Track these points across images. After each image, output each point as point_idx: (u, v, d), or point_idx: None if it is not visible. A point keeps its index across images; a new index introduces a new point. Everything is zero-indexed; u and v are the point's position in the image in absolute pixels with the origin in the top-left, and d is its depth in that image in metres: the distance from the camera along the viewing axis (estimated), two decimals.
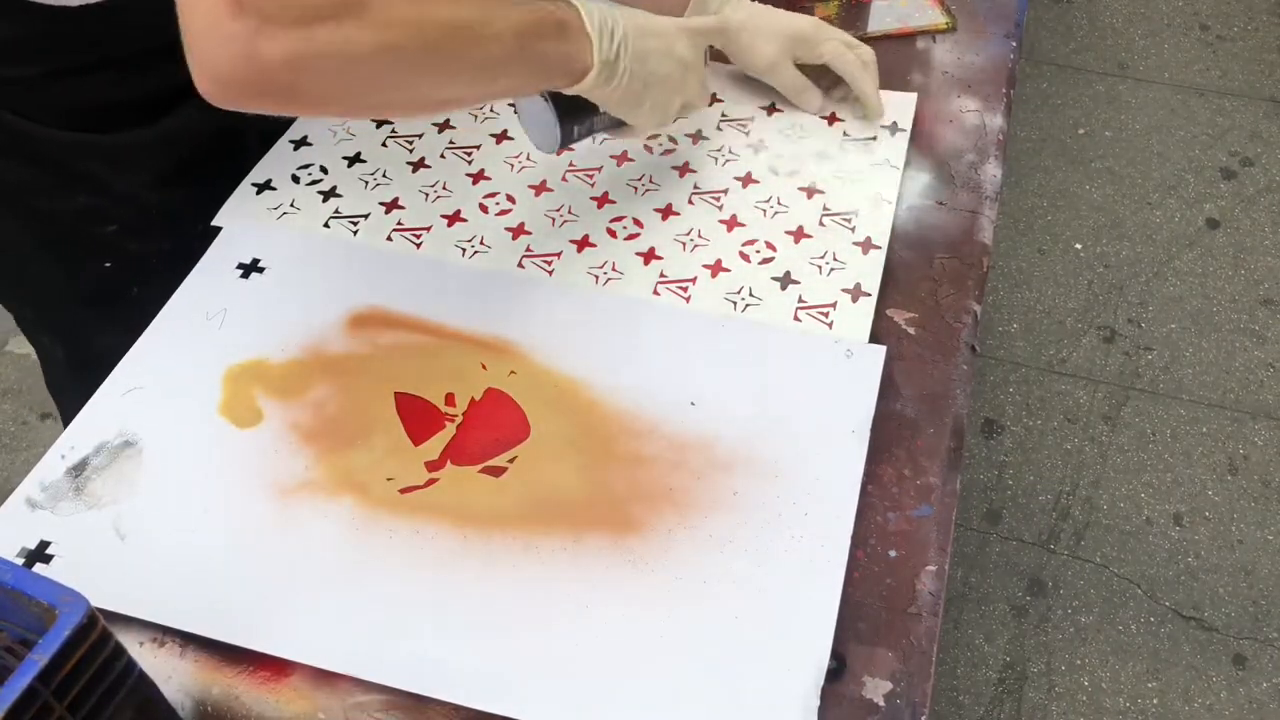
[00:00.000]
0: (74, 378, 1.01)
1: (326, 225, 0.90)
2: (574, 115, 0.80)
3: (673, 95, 0.82)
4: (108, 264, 0.93)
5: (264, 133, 0.97)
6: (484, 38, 0.68)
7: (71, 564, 0.69)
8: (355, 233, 0.89)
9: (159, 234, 0.93)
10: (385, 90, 0.66)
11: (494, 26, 0.68)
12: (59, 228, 0.91)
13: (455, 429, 0.76)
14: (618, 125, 0.83)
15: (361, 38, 0.61)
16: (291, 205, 0.91)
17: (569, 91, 0.76)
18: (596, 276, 0.85)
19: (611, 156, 0.95)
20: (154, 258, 0.92)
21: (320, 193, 0.92)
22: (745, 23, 0.94)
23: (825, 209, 0.90)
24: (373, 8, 0.61)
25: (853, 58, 0.95)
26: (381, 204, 0.91)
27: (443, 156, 0.95)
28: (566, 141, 0.82)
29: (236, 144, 0.95)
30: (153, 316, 0.83)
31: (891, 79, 1.02)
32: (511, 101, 0.93)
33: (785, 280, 0.85)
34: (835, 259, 0.86)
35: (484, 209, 0.91)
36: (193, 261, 0.87)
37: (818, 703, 0.62)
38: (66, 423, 0.76)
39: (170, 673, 0.65)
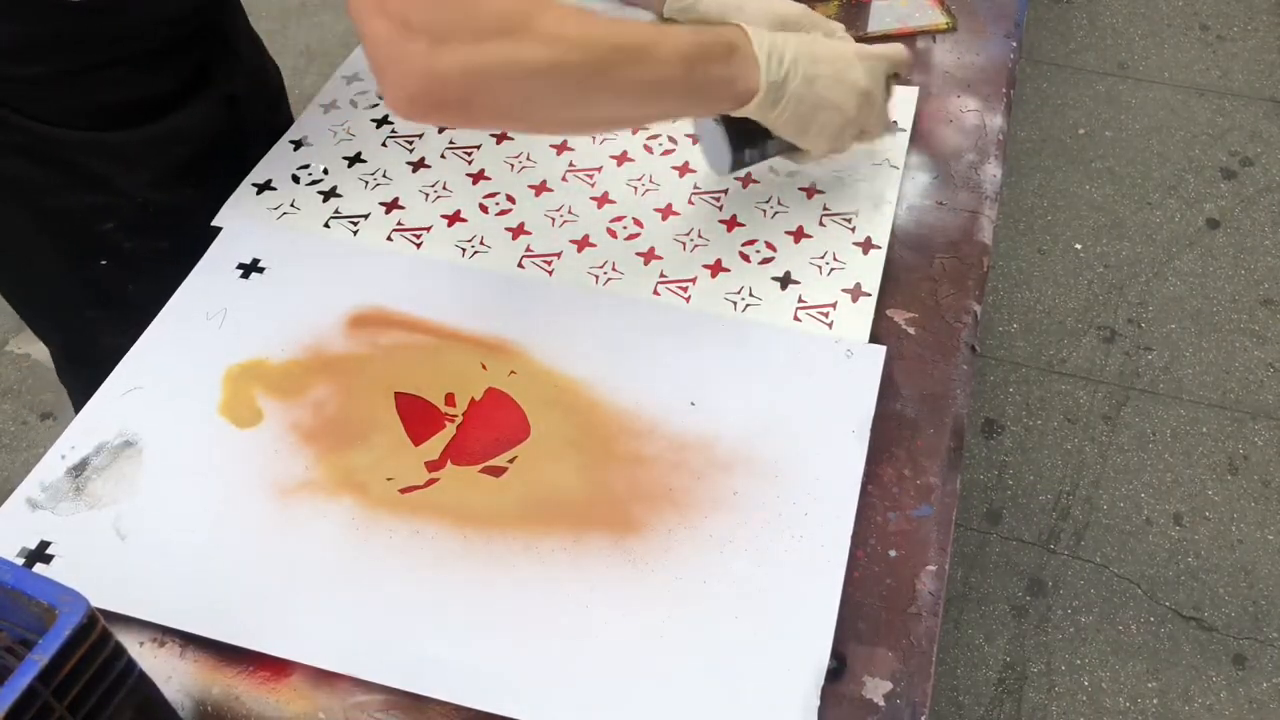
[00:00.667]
0: (72, 374, 1.01)
1: (326, 225, 0.90)
2: (747, 138, 0.82)
3: (845, 120, 0.82)
4: (104, 261, 0.94)
5: (267, 134, 0.97)
6: (652, 59, 0.70)
7: (72, 564, 0.69)
8: (355, 233, 0.89)
9: (156, 233, 0.93)
10: (554, 105, 0.69)
11: (662, 48, 0.71)
12: (63, 225, 0.91)
13: (455, 429, 0.76)
14: (791, 149, 0.84)
15: (530, 53, 0.64)
16: (291, 205, 0.91)
17: (738, 114, 0.78)
18: (596, 276, 0.85)
19: (611, 157, 0.95)
20: (150, 256, 0.92)
21: (320, 193, 0.92)
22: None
23: (825, 209, 0.90)
24: (542, 24, 0.65)
25: None
26: (381, 204, 0.91)
27: (443, 156, 0.95)
28: (738, 165, 0.84)
29: (239, 144, 0.95)
30: (149, 315, 0.83)
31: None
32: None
33: (785, 280, 0.85)
34: (835, 259, 0.86)
35: (484, 209, 0.91)
36: (192, 261, 0.87)
37: (818, 703, 0.62)
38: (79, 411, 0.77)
39: (170, 673, 0.65)
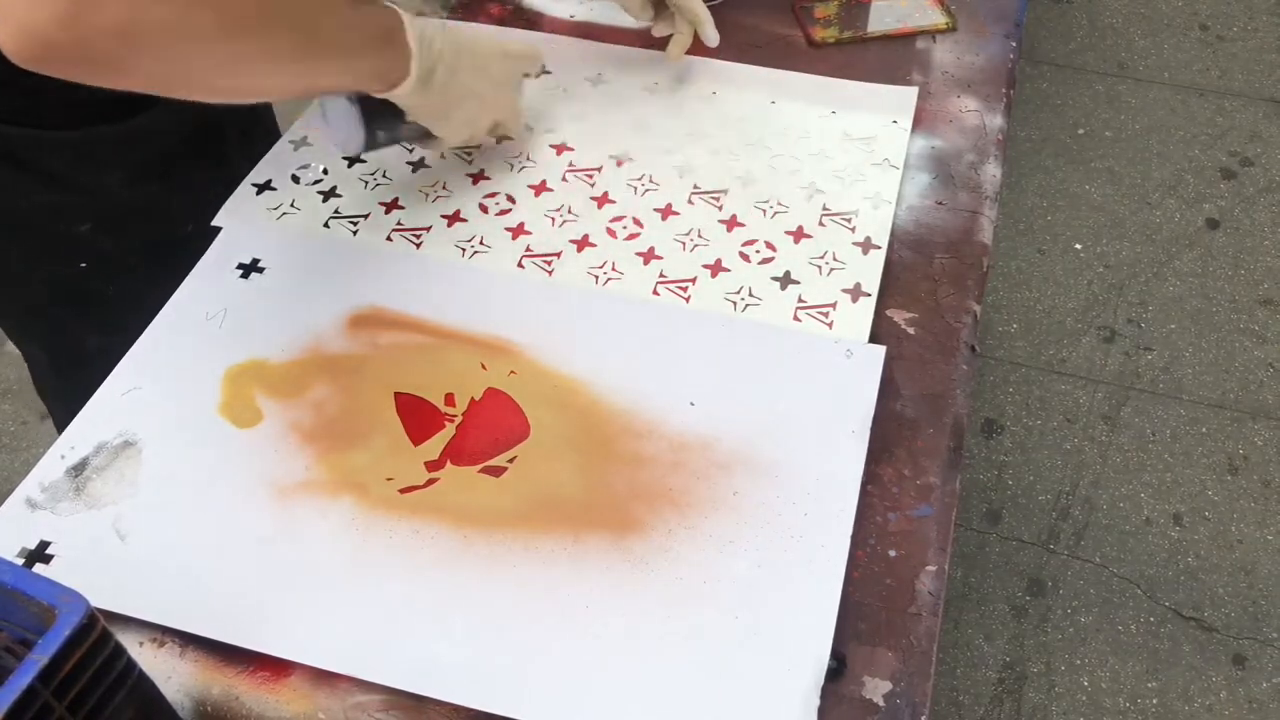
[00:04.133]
0: (59, 379, 0.99)
1: (326, 225, 0.90)
2: (381, 121, 0.82)
3: (482, 113, 0.85)
4: (83, 264, 0.92)
5: (244, 130, 0.96)
6: (320, 34, 0.68)
7: (71, 564, 0.69)
8: (355, 233, 0.89)
9: (134, 232, 0.91)
10: (214, 74, 0.64)
11: (329, 23, 0.69)
12: (31, 227, 0.89)
13: (455, 429, 0.76)
14: (424, 135, 0.85)
15: (203, 16, 0.59)
16: (291, 205, 0.91)
17: (379, 96, 0.77)
18: (596, 276, 0.85)
19: (611, 156, 0.95)
20: (130, 256, 0.91)
21: (320, 193, 0.92)
22: None
23: (825, 209, 0.90)
24: None
25: None
26: (381, 204, 0.91)
27: (443, 156, 0.95)
28: (370, 146, 0.83)
29: (215, 141, 0.93)
30: (132, 315, 0.82)
31: (891, 79, 1.02)
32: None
33: (785, 280, 0.85)
34: (835, 259, 0.86)
35: (484, 209, 0.91)
36: (177, 261, 0.86)
37: (818, 702, 0.62)
38: (58, 425, 0.76)
39: (170, 673, 0.65)
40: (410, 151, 0.96)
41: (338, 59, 0.72)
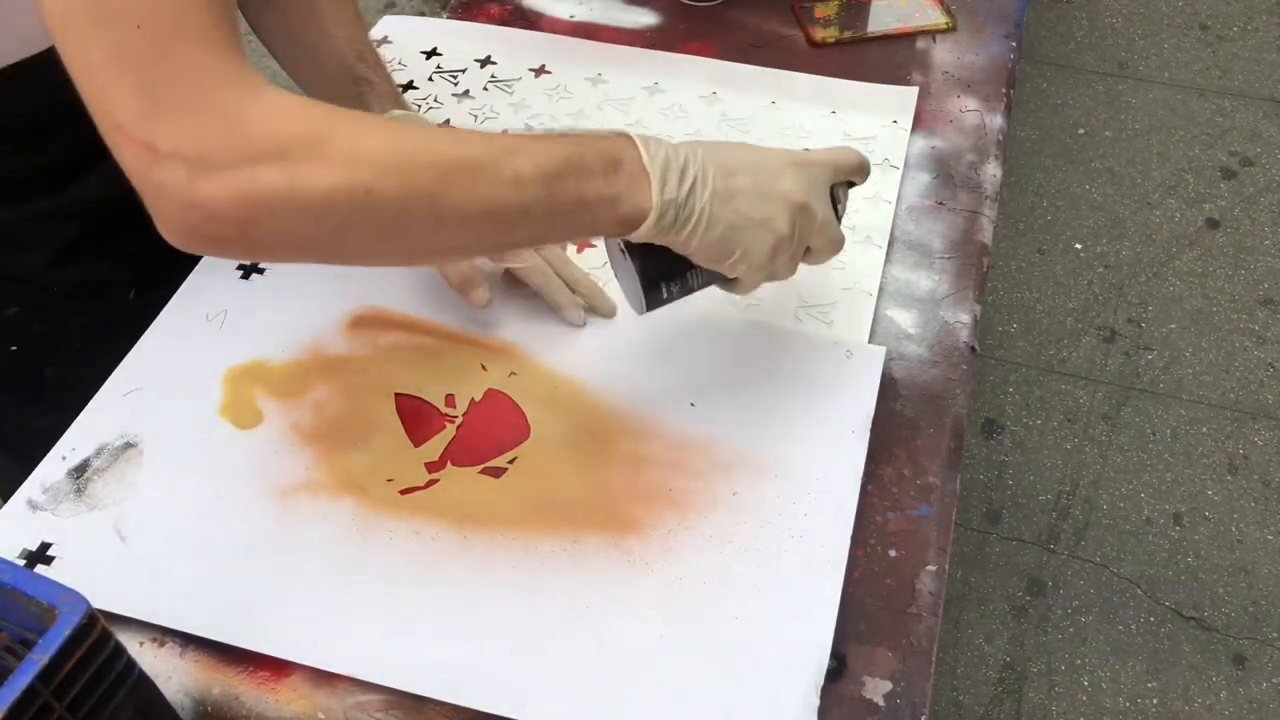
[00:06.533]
0: (11, 459, 0.87)
1: None
2: (662, 268, 0.68)
3: (775, 241, 0.67)
4: (13, 347, 0.85)
5: None
6: (493, 179, 0.57)
7: (72, 565, 0.69)
8: None
9: (68, 312, 0.85)
10: (363, 238, 0.56)
11: (512, 163, 0.57)
12: None
13: (455, 430, 0.76)
14: (722, 278, 0.70)
15: (318, 177, 0.52)
16: None
17: (640, 239, 0.64)
18: (596, 276, 0.85)
19: None
20: (64, 335, 0.86)
21: None
22: None
23: None
24: (335, 143, 0.53)
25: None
26: None
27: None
28: (656, 302, 0.70)
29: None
30: (77, 393, 0.77)
31: (891, 79, 1.02)
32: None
33: (785, 280, 0.85)
34: (835, 259, 0.86)
35: None
36: (122, 335, 0.80)
37: (818, 702, 0.62)
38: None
39: (170, 673, 0.65)
40: None
41: (535, 206, 0.58)
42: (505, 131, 0.64)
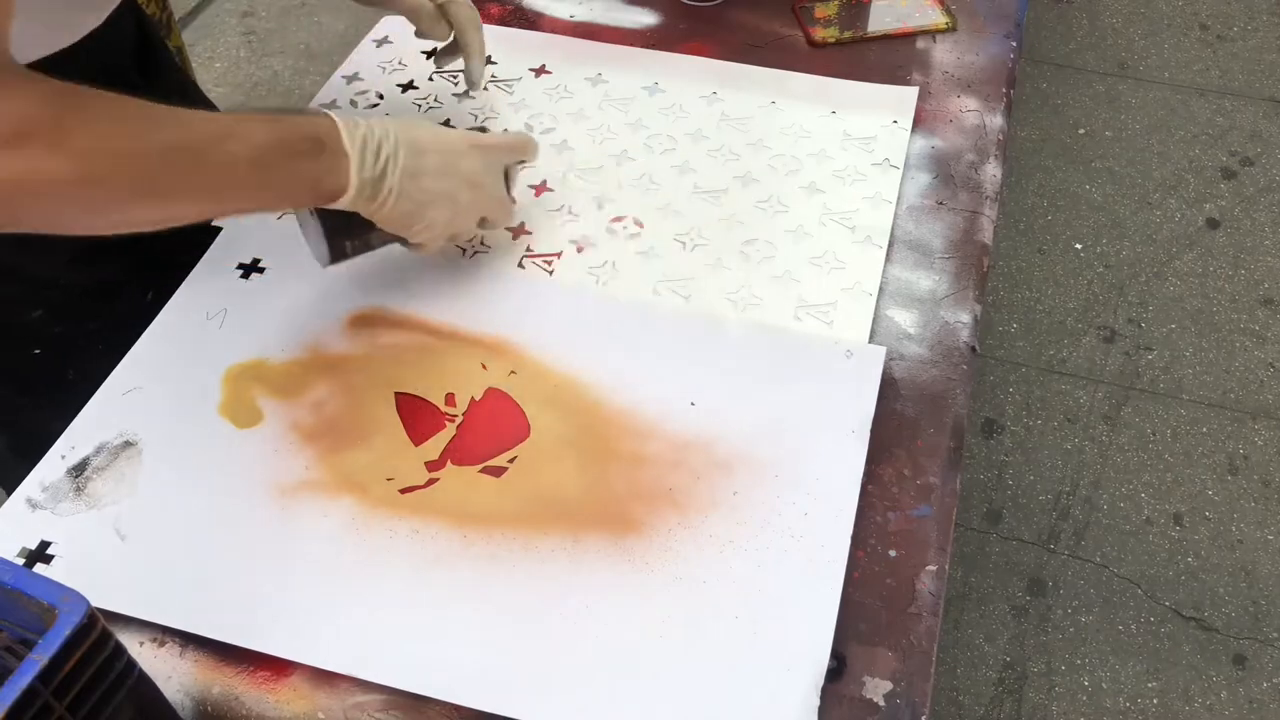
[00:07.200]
0: (18, 462, 0.87)
1: None
2: (346, 230, 0.77)
3: (459, 214, 0.78)
4: (37, 351, 0.88)
5: None
6: (211, 161, 0.64)
7: (72, 564, 0.69)
8: None
9: (86, 314, 0.88)
10: (92, 216, 0.62)
11: (226, 147, 0.64)
12: None
13: (455, 429, 0.76)
14: (402, 241, 0.80)
15: (54, 167, 0.56)
16: None
17: (333, 206, 0.72)
18: (596, 276, 0.85)
19: (611, 156, 0.95)
20: (83, 339, 0.88)
21: None
22: None
23: (825, 209, 0.90)
24: (69, 134, 0.57)
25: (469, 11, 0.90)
26: None
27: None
28: (339, 257, 0.78)
29: None
30: (89, 397, 0.78)
31: (891, 79, 1.02)
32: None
33: (785, 280, 0.85)
34: (835, 259, 0.86)
35: None
36: (130, 337, 0.82)
37: (818, 702, 0.62)
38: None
39: (170, 673, 0.65)
40: None
41: (246, 182, 0.66)
42: (278, 113, 0.70)
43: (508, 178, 0.83)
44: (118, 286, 0.88)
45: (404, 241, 0.79)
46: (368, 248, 0.79)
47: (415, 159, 0.74)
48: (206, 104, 1.00)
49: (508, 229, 0.89)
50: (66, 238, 0.77)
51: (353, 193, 0.71)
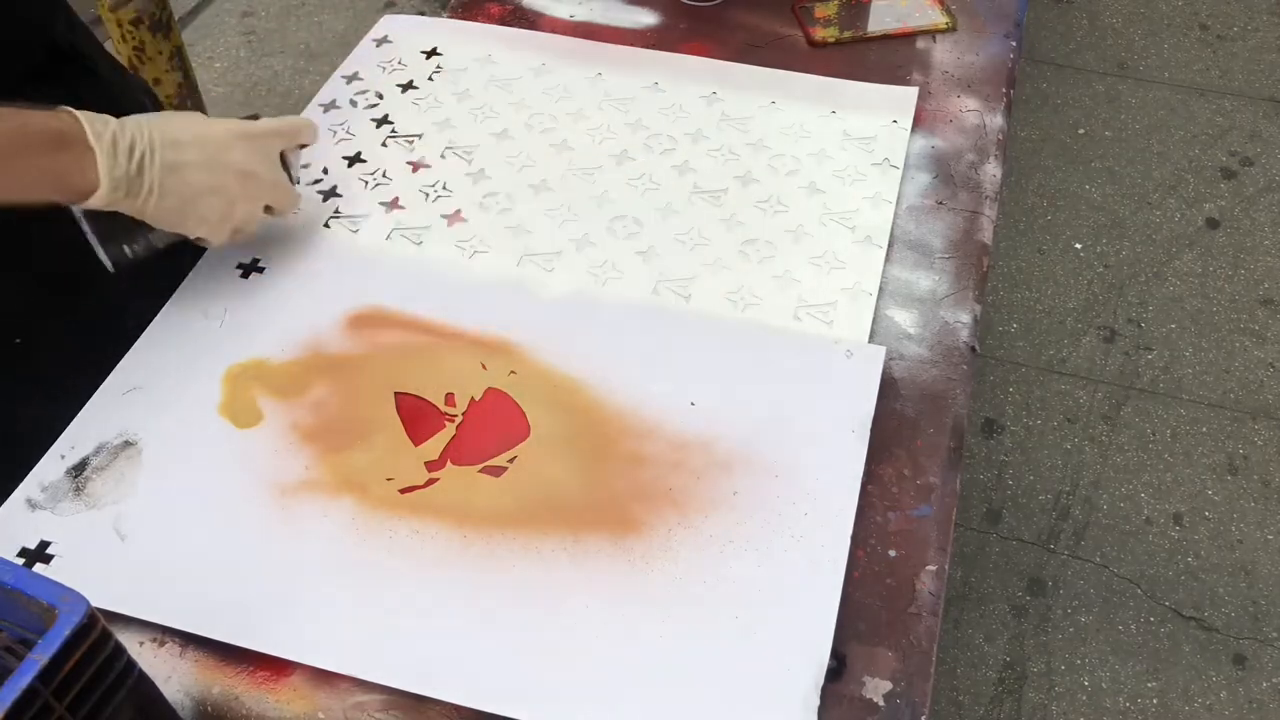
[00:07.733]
0: (17, 462, 0.84)
1: (326, 225, 0.90)
2: (120, 231, 0.75)
3: (235, 205, 0.77)
4: (36, 350, 0.86)
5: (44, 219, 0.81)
6: None
7: (71, 564, 0.69)
8: (355, 233, 0.89)
9: (85, 313, 0.86)
10: None
11: None
12: None
13: (455, 429, 0.76)
14: (183, 238, 0.78)
15: None
16: None
17: (89, 207, 0.71)
18: (596, 276, 0.85)
19: (611, 156, 0.95)
20: (83, 338, 0.85)
21: (320, 193, 0.92)
22: None
23: (825, 209, 0.90)
24: None
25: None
26: (381, 204, 0.91)
27: (443, 156, 0.95)
28: (120, 259, 0.76)
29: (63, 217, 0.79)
30: (66, 386, 0.78)
31: (891, 79, 1.02)
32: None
33: (785, 280, 0.85)
34: (835, 259, 0.86)
35: (484, 209, 0.91)
36: (108, 328, 0.82)
37: (818, 702, 0.62)
38: None
39: (170, 673, 0.65)
40: (411, 150, 0.96)
41: None
42: (18, 109, 0.69)
43: (286, 163, 0.82)
44: (90, 280, 0.85)
45: (188, 239, 0.78)
46: (152, 248, 0.78)
47: (173, 154, 0.72)
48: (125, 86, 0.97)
49: (507, 236, 0.89)
50: (70, 233, 0.78)
51: (106, 190, 0.70)
